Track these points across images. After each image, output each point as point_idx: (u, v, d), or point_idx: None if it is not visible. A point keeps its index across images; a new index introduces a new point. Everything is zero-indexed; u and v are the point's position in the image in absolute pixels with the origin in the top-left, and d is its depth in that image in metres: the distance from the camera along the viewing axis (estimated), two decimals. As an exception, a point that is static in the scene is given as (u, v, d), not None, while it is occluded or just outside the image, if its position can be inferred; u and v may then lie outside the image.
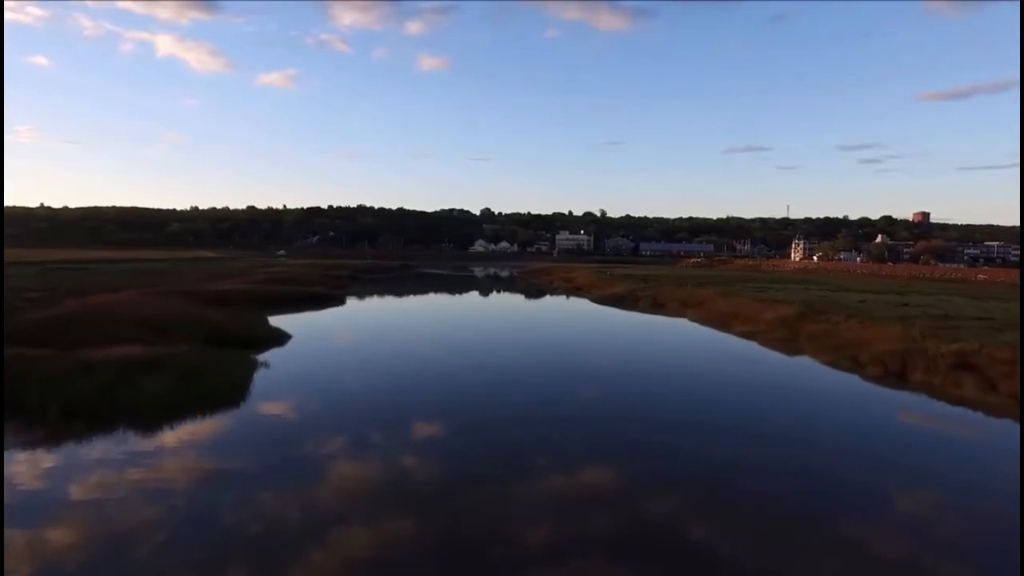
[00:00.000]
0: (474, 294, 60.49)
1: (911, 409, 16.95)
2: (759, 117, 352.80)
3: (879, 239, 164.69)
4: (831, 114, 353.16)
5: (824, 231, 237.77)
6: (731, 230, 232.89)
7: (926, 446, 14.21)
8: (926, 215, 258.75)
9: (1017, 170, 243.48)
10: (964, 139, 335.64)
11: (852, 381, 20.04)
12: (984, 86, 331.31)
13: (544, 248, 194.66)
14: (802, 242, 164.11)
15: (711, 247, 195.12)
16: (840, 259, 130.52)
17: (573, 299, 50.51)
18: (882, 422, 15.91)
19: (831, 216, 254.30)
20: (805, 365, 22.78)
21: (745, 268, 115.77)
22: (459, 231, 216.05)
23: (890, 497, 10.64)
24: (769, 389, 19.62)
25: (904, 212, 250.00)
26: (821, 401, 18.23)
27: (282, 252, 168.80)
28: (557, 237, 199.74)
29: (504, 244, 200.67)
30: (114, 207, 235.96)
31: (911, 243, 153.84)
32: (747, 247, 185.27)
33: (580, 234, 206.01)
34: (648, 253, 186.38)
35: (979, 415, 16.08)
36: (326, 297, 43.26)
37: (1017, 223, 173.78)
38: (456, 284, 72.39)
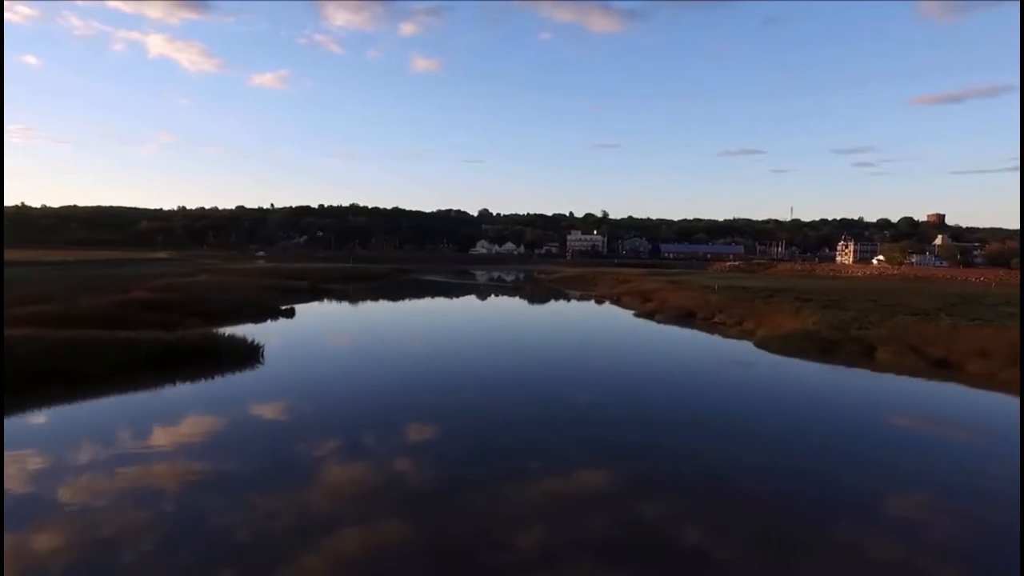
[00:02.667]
0: (505, 324, 35.91)
1: None
2: (753, 120, 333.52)
3: (939, 240, 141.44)
4: (825, 117, 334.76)
5: (850, 232, 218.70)
6: (751, 232, 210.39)
7: None
8: (941, 216, 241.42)
9: (1013, 173, 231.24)
10: (958, 143, 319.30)
11: None
12: (977, 90, 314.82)
13: (554, 250, 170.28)
14: (852, 244, 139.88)
15: (741, 249, 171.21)
16: (913, 263, 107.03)
17: (724, 341, 26.58)
18: None
19: (847, 217, 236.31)
20: None
21: (806, 275, 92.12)
22: (458, 231, 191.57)
23: None
24: None
25: (900, 214, 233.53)
26: None
27: (262, 253, 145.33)
28: (568, 238, 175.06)
29: (509, 245, 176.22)
30: (81, 206, 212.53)
31: (977, 245, 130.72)
32: (782, 249, 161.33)
33: (593, 234, 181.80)
34: (671, 255, 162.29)
35: None
36: (216, 350, 18.82)
37: (1016, 225, 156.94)
38: (465, 302, 48.07)
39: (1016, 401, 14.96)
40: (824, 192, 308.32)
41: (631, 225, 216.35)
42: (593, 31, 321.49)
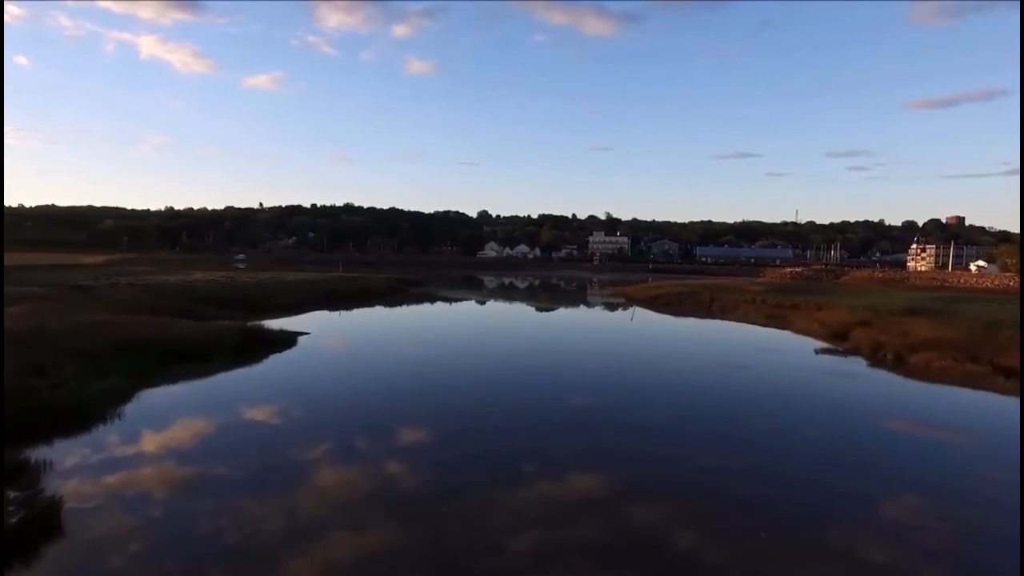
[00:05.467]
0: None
1: None
2: (748, 123, 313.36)
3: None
4: (819, 121, 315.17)
5: (879, 235, 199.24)
6: (771, 234, 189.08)
7: None
8: (961, 219, 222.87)
9: (1008, 177, 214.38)
10: (951, 147, 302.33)
11: None
12: (971, 94, 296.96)
13: (575, 253, 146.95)
14: (933, 247, 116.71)
15: (789, 253, 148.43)
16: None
17: None
18: None
19: (870, 219, 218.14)
20: None
21: (917, 285, 69.65)
22: (460, 232, 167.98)
23: None
24: None
25: (898, 217, 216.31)
26: None
27: (242, 256, 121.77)
28: (591, 240, 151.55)
29: (522, 247, 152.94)
30: (61, 206, 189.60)
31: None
32: (835, 253, 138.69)
33: (617, 235, 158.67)
34: (708, 260, 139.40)
35: None
36: None
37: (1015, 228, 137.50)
38: (613, 393, 24.29)
39: None
40: (822, 195, 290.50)
41: (638, 227, 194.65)
42: (587, 34, 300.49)
